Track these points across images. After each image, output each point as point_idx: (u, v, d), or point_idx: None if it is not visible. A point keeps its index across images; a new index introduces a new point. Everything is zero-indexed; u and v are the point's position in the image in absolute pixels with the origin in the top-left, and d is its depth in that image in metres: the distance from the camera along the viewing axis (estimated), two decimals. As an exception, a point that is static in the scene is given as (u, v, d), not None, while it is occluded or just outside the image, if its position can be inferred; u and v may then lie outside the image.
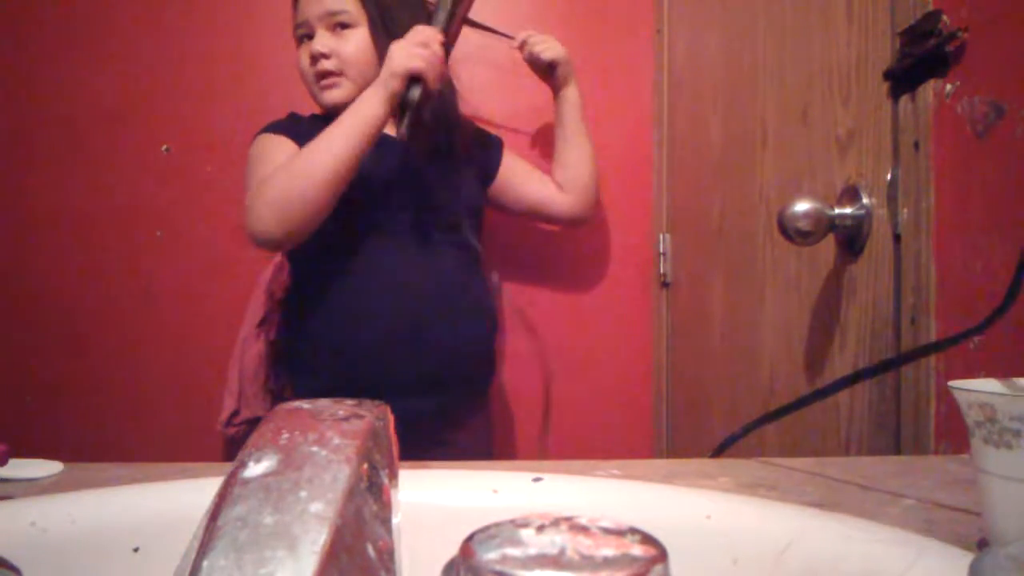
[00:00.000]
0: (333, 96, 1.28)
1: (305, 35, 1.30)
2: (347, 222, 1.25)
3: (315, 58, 1.27)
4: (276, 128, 1.31)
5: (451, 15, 1.25)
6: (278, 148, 1.26)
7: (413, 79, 1.17)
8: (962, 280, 0.74)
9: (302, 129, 1.30)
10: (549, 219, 1.53)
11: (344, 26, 1.27)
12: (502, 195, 1.46)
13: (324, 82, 1.28)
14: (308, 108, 1.41)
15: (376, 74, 1.25)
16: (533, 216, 1.52)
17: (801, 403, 0.66)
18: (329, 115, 1.38)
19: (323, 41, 1.26)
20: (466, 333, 1.28)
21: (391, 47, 1.18)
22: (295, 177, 1.14)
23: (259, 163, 1.25)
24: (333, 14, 1.27)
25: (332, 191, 1.14)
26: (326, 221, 1.25)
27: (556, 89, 1.46)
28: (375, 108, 1.17)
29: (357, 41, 1.27)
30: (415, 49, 1.16)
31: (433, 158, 1.31)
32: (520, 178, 1.47)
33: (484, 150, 1.45)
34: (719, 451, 0.69)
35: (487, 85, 1.63)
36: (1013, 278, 0.50)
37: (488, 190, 1.44)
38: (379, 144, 1.31)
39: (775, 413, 0.67)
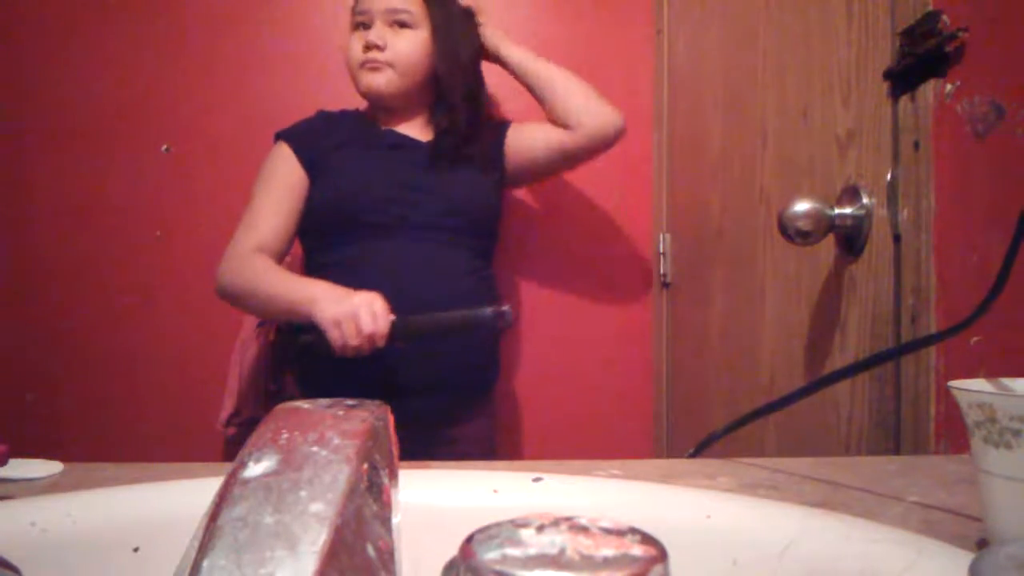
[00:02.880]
0: (375, 80, 1.30)
1: (361, 23, 1.32)
2: (354, 222, 1.25)
3: (369, 47, 1.29)
4: (292, 137, 1.33)
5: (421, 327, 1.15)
6: (279, 174, 1.31)
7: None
8: (962, 280, 0.74)
9: (325, 130, 1.33)
10: (571, 158, 1.42)
11: (403, 25, 1.30)
12: (519, 166, 1.41)
13: (369, 65, 1.30)
14: (311, 108, 1.41)
15: (425, 75, 1.31)
16: (559, 163, 1.43)
17: (772, 407, 0.65)
18: (358, 112, 1.39)
19: (380, 33, 1.29)
20: (472, 336, 1.28)
21: (356, 295, 1.11)
22: (246, 285, 1.24)
23: (261, 184, 1.31)
24: (396, 11, 1.30)
25: (260, 314, 1.37)
26: (332, 221, 1.28)
27: (497, 60, 1.40)
28: (302, 310, 1.15)
29: (412, 41, 1.30)
30: (363, 321, 1.09)
31: (450, 160, 1.31)
32: (525, 139, 1.40)
33: (493, 141, 1.41)
34: (698, 451, 0.69)
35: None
36: (1006, 254, 0.50)
37: (506, 176, 1.41)
38: (391, 145, 1.32)
39: (750, 416, 0.67)
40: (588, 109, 1.36)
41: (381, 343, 1.10)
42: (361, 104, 1.41)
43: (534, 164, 1.41)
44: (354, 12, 1.34)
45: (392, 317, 1.11)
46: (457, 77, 1.34)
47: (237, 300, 1.26)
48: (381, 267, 1.24)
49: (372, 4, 1.30)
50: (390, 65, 1.30)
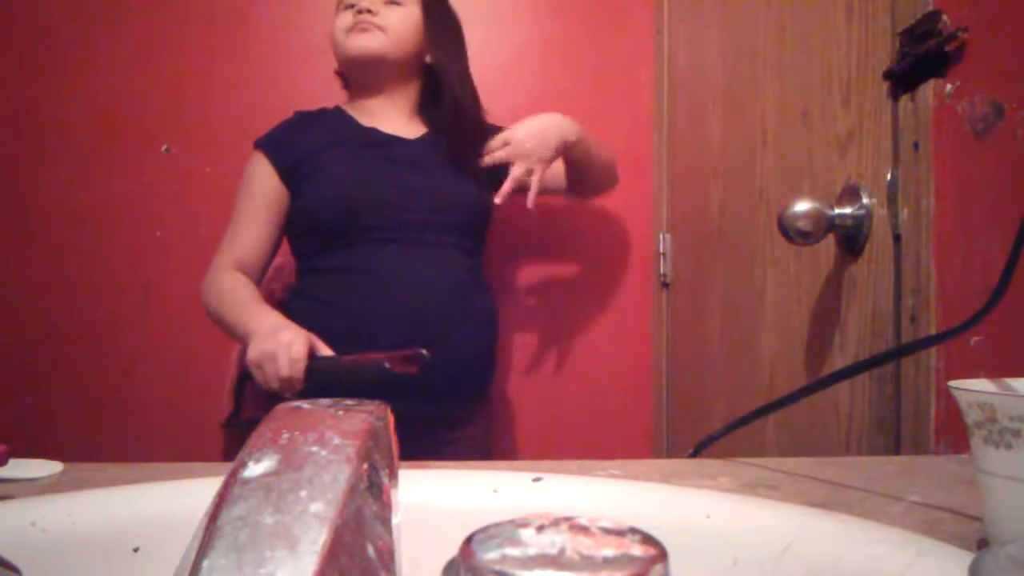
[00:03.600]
0: (364, 41, 1.28)
1: (349, 5, 1.31)
2: (351, 223, 1.25)
3: (360, 12, 1.28)
4: (268, 145, 1.31)
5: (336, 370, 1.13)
6: (254, 187, 1.29)
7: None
8: (962, 280, 0.74)
9: (304, 133, 1.32)
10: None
11: (393, 2, 1.30)
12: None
13: (360, 26, 1.28)
14: (311, 108, 1.41)
15: (415, 48, 1.31)
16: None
17: (773, 407, 0.65)
18: (338, 109, 1.37)
19: (371, 1, 1.29)
20: (468, 337, 1.27)
21: (282, 334, 1.09)
22: (214, 307, 1.24)
23: (240, 196, 1.31)
24: None
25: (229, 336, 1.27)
26: (317, 226, 1.27)
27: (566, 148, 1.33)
28: (241, 337, 1.17)
29: (403, 16, 1.30)
30: (280, 364, 1.07)
31: (444, 160, 1.31)
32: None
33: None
34: (697, 450, 0.69)
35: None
36: (1010, 255, 0.50)
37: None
38: (375, 144, 1.31)
39: (751, 416, 0.67)
40: (599, 189, 1.50)
41: (299, 387, 1.09)
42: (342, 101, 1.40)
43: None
44: None
45: (308, 360, 1.09)
46: (449, 57, 1.33)
47: (213, 320, 1.25)
48: (369, 270, 1.23)
49: None
50: (381, 29, 1.28)
